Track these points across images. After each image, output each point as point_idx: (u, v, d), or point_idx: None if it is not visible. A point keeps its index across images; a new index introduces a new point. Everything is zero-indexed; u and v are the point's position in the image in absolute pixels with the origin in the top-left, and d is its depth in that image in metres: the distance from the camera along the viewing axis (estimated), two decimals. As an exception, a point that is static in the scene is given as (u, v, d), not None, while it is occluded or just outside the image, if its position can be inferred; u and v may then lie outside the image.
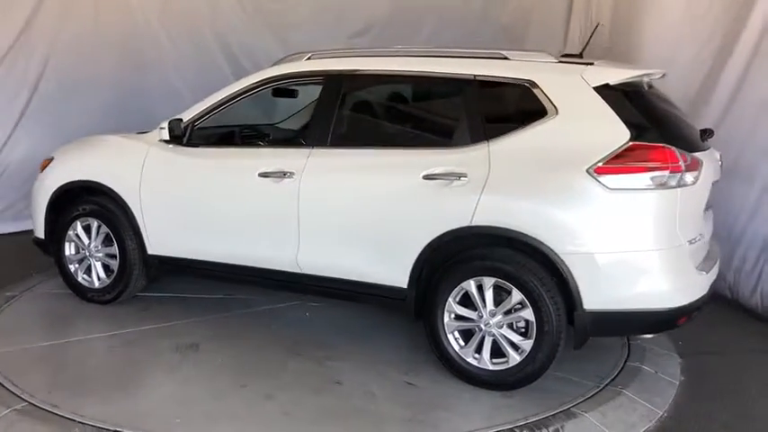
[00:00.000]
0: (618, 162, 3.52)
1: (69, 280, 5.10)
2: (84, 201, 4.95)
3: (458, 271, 3.83)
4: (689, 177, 3.63)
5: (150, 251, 4.78)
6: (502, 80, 3.86)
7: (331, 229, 4.16)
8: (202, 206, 4.56)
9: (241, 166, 4.43)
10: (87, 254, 5.01)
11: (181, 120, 4.59)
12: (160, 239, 4.74)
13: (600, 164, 3.53)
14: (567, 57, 4.06)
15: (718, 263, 4.16)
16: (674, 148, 3.58)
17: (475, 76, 3.89)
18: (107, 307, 4.99)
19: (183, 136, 4.58)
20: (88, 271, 5.03)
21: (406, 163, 3.94)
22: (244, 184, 4.36)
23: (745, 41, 5.43)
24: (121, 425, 3.43)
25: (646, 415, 3.78)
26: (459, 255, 3.85)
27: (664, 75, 4.24)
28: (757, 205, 5.40)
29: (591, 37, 4.36)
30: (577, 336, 3.72)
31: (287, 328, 4.67)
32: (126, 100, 7.33)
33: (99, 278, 5.00)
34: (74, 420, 3.46)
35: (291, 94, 5.08)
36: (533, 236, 3.62)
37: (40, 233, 5.15)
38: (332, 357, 4.22)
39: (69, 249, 5.05)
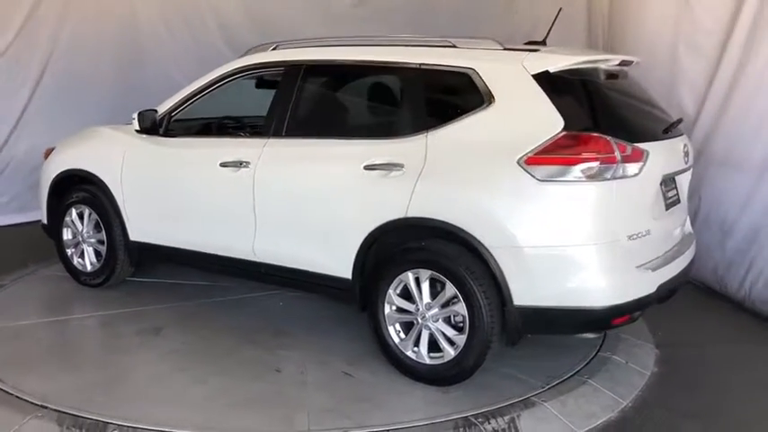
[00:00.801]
0: (549, 153, 3.41)
1: (67, 264, 5.37)
2: (78, 189, 5.20)
3: (396, 263, 3.81)
4: (630, 169, 3.49)
5: (132, 237, 4.97)
6: (445, 68, 3.80)
7: (282, 218, 4.21)
8: (173, 195, 4.71)
9: (206, 155, 4.52)
10: (80, 239, 5.26)
11: (154, 110, 4.78)
12: (139, 226, 4.92)
13: (530, 154, 3.42)
14: (531, 43, 4.04)
15: (687, 257, 4.05)
16: (609, 138, 3.43)
17: (420, 64, 3.86)
18: (98, 290, 5.21)
19: (156, 126, 4.76)
20: (82, 255, 5.28)
21: (349, 153, 3.94)
22: (207, 174, 4.46)
23: (740, 29, 5.33)
24: (49, 401, 3.57)
25: (609, 405, 3.74)
26: (398, 246, 3.82)
27: (632, 62, 4.08)
28: (749, 195, 5.29)
29: (553, 23, 4.26)
30: (509, 332, 3.63)
31: (255, 316, 4.74)
32: (127, 94, 7.43)
33: (90, 263, 5.24)
34: (10, 394, 3.66)
35: (275, 85, 5.12)
36: (465, 228, 3.55)
37: (45, 219, 5.46)
38: (284, 346, 4.26)
39: (66, 234, 5.32)
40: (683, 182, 4.23)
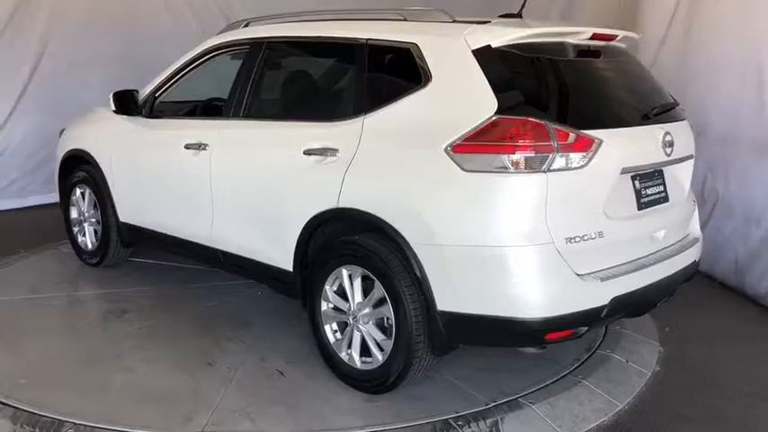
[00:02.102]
0: (477, 140, 2.99)
1: (73, 242, 5.44)
2: (80, 169, 5.24)
3: (330, 257, 3.51)
4: (573, 159, 3.02)
5: (121, 219, 4.94)
6: (387, 44, 3.45)
7: (234, 204, 4.04)
8: (150, 177, 4.65)
9: (175, 137, 4.36)
10: (82, 218, 5.29)
11: (130, 91, 4.67)
12: (125, 208, 4.89)
13: (458, 141, 3.01)
14: (505, 16, 3.71)
15: (677, 265, 3.55)
16: (545, 123, 2.97)
17: (367, 40, 3.53)
18: (97, 270, 5.26)
19: (135, 107, 4.67)
20: (84, 234, 5.32)
21: (292, 136, 3.68)
22: (174, 157, 4.32)
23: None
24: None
25: (602, 408, 3.48)
26: (334, 239, 3.52)
27: (616, 38, 3.61)
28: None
29: None
30: (433, 341, 3.24)
31: (229, 305, 4.57)
32: (127, 75, 7.20)
33: (90, 242, 5.28)
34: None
35: None
36: (389, 223, 3.19)
37: (58, 197, 5.55)
38: (235, 338, 4.06)
39: (73, 213, 5.38)
40: (677, 177, 3.70)
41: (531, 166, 2.97)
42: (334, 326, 3.58)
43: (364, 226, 3.34)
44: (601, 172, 3.15)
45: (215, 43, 4.36)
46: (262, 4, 7.38)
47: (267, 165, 3.81)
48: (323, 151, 3.47)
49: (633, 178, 3.38)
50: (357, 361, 3.47)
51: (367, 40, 3.53)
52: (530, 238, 2.99)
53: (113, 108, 4.71)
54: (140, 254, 5.37)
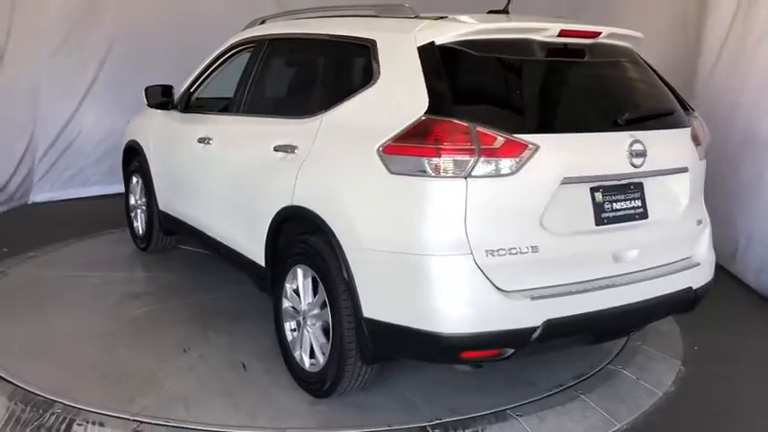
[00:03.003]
0: (404, 141, 2.87)
1: (130, 227, 5.74)
2: (134, 158, 5.53)
3: (289, 255, 3.47)
4: (502, 165, 2.80)
5: (160, 207, 5.16)
6: (351, 41, 3.40)
7: (224, 197, 4.14)
8: (174, 168, 4.86)
9: (193, 131, 4.49)
10: (136, 205, 5.60)
11: (161, 86, 4.85)
12: (162, 197, 5.12)
13: (389, 142, 2.90)
14: (492, 12, 3.56)
15: (651, 292, 3.18)
16: (468, 125, 2.77)
17: (330, 36, 3.54)
18: (145, 254, 5.56)
19: (167, 102, 4.85)
20: (137, 220, 5.64)
21: (266, 132, 3.70)
22: (190, 149, 4.48)
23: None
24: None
25: (597, 425, 3.30)
26: (292, 237, 3.48)
27: (599, 35, 3.27)
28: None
29: None
30: (363, 348, 3.10)
31: (232, 298, 4.59)
32: (189, 71, 7.50)
33: (141, 228, 5.58)
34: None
35: None
36: (328, 224, 3.14)
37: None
38: (222, 330, 4.10)
39: (131, 200, 5.68)
40: (665, 192, 3.31)
41: (451, 172, 2.79)
42: (293, 324, 3.54)
43: (311, 225, 3.30)
44: (536, 181, 2.88)
45: (234, 41, 4.49)
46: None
47: (247, 159, 3.90)
48: (285, 148, 3.48)
49: (594, 190, 3.07)
50: (306, 362, 3.42)
51: (331, 36, 3.54)
52: (446, 247, 2.81)
53: (146, 102, 4.92)
54: (189, 242, 5.47)
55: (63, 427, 3.12)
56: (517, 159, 2.83)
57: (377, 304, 2.98)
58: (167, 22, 7.55)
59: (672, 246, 3.38)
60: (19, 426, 3.15)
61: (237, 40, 4.46)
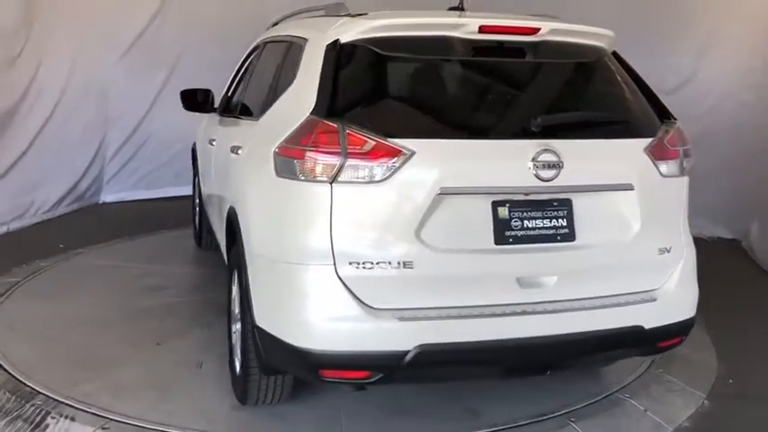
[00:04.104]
0: (290, 142, 2.74)
1: (193, 223, 5.99)
2: (194, 160, 5.78)
3: (230, 258, 3.45)
4: (374, 170, 2.58)
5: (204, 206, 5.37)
6: (294, 41, 3.35)
7: (213, 198, 4.34)
8: (204, 168, 5.06)
9: (211, 134, 4.62)
10: (194, 204, 5.86)
11: (195, 90, 4.86)
12: (203, 196, 5.33)
13: (282, 144, 2.77)
14: (452, 9, 3.36)
15: (576, 324, 2.79)
16: (338, 127, 2.60)
17: (284, 37, 3.54)
18: (195, 250, 5.85)
19: (204, 105, 4.85)
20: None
21: (231, 134, 3.81)
22: (206, 151, 4.70)
23: None
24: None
25: (580, 459, 3.02)
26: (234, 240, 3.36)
27: (538, 30, 2.94)
28: None
29: None
30: (258, 357, 2.95)
31: None
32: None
33: (196, 225, 5.89)
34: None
35: None
36: (240, 226, 3.08)
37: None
38: (212, 326, 4.09)
39: (196, 198, 5.86)
40: (605, 212, 2.91)
41: (316, 175, 2.62)
42: (235, 327, 3.42)
43: (237, 227, 3.21)
44: (410, 189, 2.64)
45: (254, 45, 4.57)
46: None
47: (219, 161, 4.02)
48: (235, 149, 3.50)
49: (498, 204, 2.74)
50: (237, 366, 3.30)
51: (284, 38, 3.55)
52: (309, 256, 2.64)
53: (183, 106, 4.99)
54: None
55: (38, 418, 3.17)
56: (389, 165, 2.60)
57: (262, 313, 2.85)
58: (236, 24, 7.72)
59: (614, 275, 2.92)
60: (1, 413, 3.23)
61: (255, 44, 4.53)
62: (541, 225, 2.78)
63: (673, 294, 2.98)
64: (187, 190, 6.30)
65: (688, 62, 6.72)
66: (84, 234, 6.17)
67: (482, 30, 2.86)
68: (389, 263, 2.61)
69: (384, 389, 3.28)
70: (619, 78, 3.16)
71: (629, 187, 2.89)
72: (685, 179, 3.09)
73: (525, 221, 2.76)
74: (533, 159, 2.71)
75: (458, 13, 3.25)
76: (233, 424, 3.21)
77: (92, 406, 3.24)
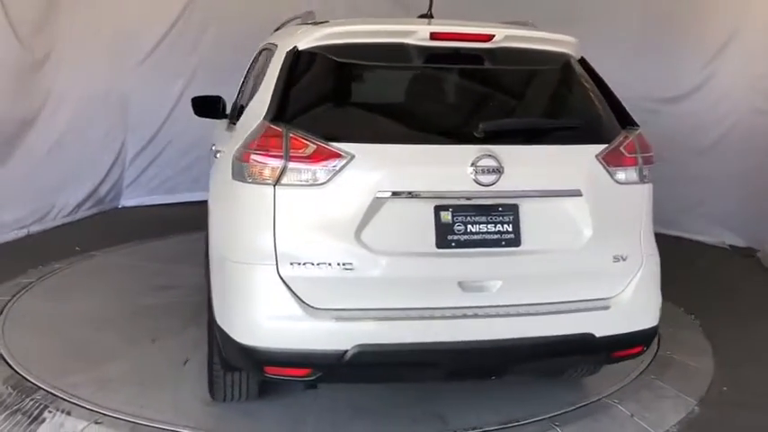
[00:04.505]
0: (245, 147, 2.83)
1: None
2: None
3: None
4: (315, 174, 2.67)
5: None
6: (272, 47, 3.42)
7: None
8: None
9: (216, 139, 4.54)
10: None
11: (213, 97, 4.87)
12: None
13: (241, 148, 2.88)
14: (421, 17, 3.42)
15: (506, 329, 2.79)
16: (281, 131, 2.69)
17: (267, 44, 3.62)
18: None
19: (214, 112, 4.84)
20: None
21: (218, 138, 3.89)
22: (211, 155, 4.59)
23: None
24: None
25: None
26: None
27: (491, 37, 2.96)
28: None
29: None
30: (219, 353, 3.04)
31: None
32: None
33: None
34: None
35: None
36: (207, 227, 3.29)
37: None
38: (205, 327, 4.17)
39: None
40: (553, 217, 2.90)
41: (261, 178, 2.72)
42: None
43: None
44: (349, 192, 2.71)
45: (256, 52, 4.56)
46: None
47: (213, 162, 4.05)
48: (217, 152, 3.60)
49: (440, 209, 2.77)
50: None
51: (267, 45, 3.62)
52: (252, 256, 2.73)
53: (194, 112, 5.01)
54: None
55: (36, 412, 3.29)
56: (329, 168, 2.68)
57: (219, 311, 2.95)
58: (257, 31, 7.84)
59: (563, 282, 2.90)
60: (2, 407, 3.35)
61: (259, 48, 4.55)
62: (485, 230, 2.81)
63: (629, 303, 2.96)
64: (206, 195, 6.38)
65: (701, 67, 6.66)
66: (102, 237, 6.31)
67: (433, 36, 2.92)
68: (330, 264, 2.68)
69: (356, 388, 3.38)
70: (580, 85, 3.17)
71: (576, 193, 2.88)
72: (646, 187, 3.06)
73: (469, 226, 2.79)
74: (473, 164, 2.74)
75: (425, 20, 3.33)
76: (201, 418, 3.29)
77: (81, 399, 3.37)
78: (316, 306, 2.68)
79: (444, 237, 2.76)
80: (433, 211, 2.77)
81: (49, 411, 3.28)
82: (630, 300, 2.95)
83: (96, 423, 3.19)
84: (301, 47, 2.97)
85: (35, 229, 6.37)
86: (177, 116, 7.89)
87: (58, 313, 4.46)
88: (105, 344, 4.02)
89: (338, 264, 2.69)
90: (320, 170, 2.68)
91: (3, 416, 3.26)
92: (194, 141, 7.65)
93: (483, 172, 2.74)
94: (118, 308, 4.56)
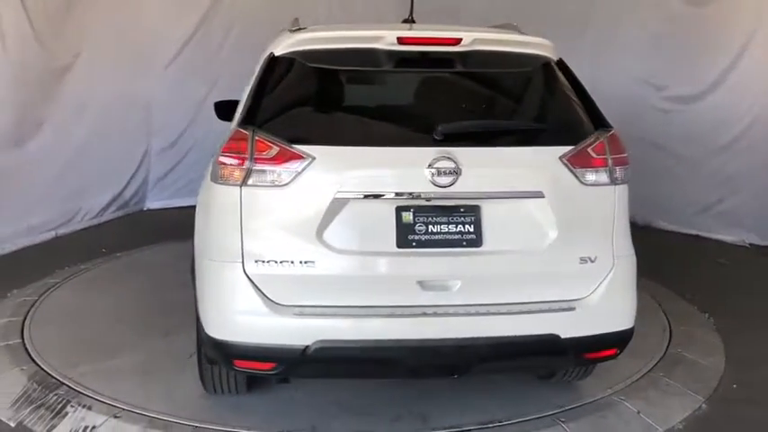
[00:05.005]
0: (222, 150, 2.96)
1: None
2: None
3: None
4: (278, 175, 2.80)
5: None
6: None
7: None
8: None
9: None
10: None
11: (229, 101, 4.92)
12: None
13: (218, 152, 3.01)
14: (404, 21, 3.49)
15: (469, 328, 2.83)
16: (248, 134, 2.83)
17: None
18: None
19: (233, 115, 4.99)
20: None
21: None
22: None
23: None
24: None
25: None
26: None
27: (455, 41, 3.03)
28: None
29: None
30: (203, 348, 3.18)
31: None
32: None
33: None
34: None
35: None
36: None
37: None
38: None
39: None
40: (514, 218, 2.92)
41: (230, 179, 2.85)
42: None
43: None
44: (310, 193, 2.82)
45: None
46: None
47: None
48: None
49: (402, 209, 2.85)
50: None
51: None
52: (221, 253, 2.89)
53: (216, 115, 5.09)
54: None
55: (59, 407, 3.42)
56: (291, 170, 2.80)
57: (198, 306, 3.11)
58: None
59: (526, 283, 2.93)
60: (27, 402, 3.48)
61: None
62: (446, 230, 2.86)
63: (598, 305, 2.95)
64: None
65: (720, 64, 6.61)
66: (127, 239, 6.46)
67: (401, 41, 3.00)
68: (292, 262, 2.80)
69: (343, 385, 3.49)
70: (550, 88, 3.22)
71: (538, 195, 2.90)
72: (620, 188, 3.03)
73: (430, 226, 2.86)
74: (430, 166, 2.81)
75: (408, 25, 3.44)
76: (190, 409, 3.40)
77: (79, 385, 3.58)
78: (279, 302, 2.81)
79: (405, 237, 2.85)
80: (394, 211, 2.85)
81: (71, 406, 3.41)
82: (600, 302, 2.95)
83: (115, 417, 3.31)
84: (277, 53, 3.12)
85: (62, 231, 6.53)
86: (201, 120, 8.00)
87: (80, 310, 4.62)
88: (119, 337, 4.17)
89: (300, 262, 2.80)
90: (283, 172, 2.81)
91: (28, 410, 3.40)
92: (218, 144, 7.82)
93: (440, 173, 2.81)
94: (137, 304, 4.70)
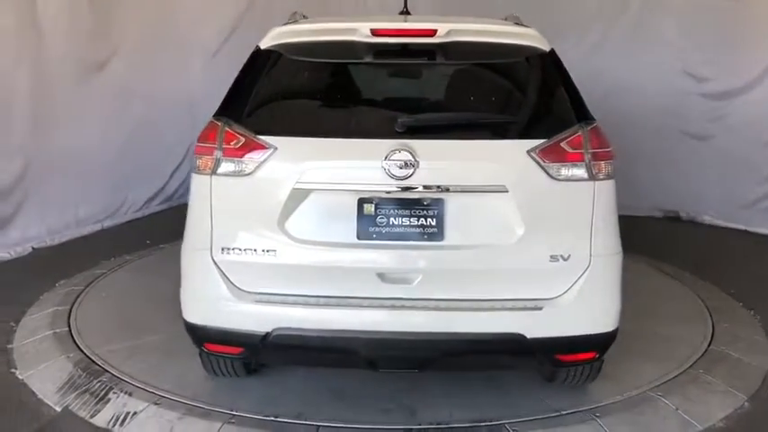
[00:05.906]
0: (198, 140, 3.06)
1: None
2: None
3: None
4: (244, 165, 2.88)
5: None
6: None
7: None
8: None
9: None
10: None
11: None
12: None
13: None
14: (401, 13, 3.51)
15: (431, 323, 2.82)
16: (219, 124, 2.95)
17: None
18: None
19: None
20: None
21: None
22: None
23: None
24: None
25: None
26: None
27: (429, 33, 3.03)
28: None
29: None
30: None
31: None
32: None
33: None
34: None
35: None
36: None
37: None
38: None
39: None
40: (478, 213, 2.87)
41: (203, 169, 2.96)
42: None
43: None
44: (271, 183, 2.89)
45: None
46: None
47: None
48: None
49: (364, 201, 2.86)
50: None
51: None
52: (194, 241, 3.02)
53: None
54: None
55: (102, 393, 3.52)
56: (254, 160, 2.87)
57: (180, 290, 3.21)
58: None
59: (490, 279, 2.87)
60: (72, 388, 3.59)
61: None
62: (408, 223, 2.86)
63: (571, 305, 2.85)
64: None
65: (765, 57, 6.44)
66: (170, 231, 6.56)
67: (374, 33, 3.01)
68: (255, 250, 2.90)
69: (339, 374, 3.51)
70: (528, 80, 3.15)
71: (501, 189, 2.84)
72: (602, 183, 2.90)
73: (392, 219, 2.86)
74: (386, 158, 2.80)
75: (401, 17, 3.48)
76: (191, 389, 3.50)
77: (102, 359, 3.82)
78: (243, 289, 2.93)
79: (366, 228, 2.86)
80: (356, 203, 2.87)
81: (114, 393, 3.50)
82: (573, 302, 2.85)
83: (155, 404, 3.38)
84: (262, 46, 3.17)
85: (108, 223, 6.71)
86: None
87: (122, 297, 4.79)
88: (150, 321, 4.30)
89: (263, 250, 2.89)
90: (247, 161, 2.89)
91: (73, 395, 3.51)
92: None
93: (396, 166, 2.80)
94: (175, 291, 4.75)
